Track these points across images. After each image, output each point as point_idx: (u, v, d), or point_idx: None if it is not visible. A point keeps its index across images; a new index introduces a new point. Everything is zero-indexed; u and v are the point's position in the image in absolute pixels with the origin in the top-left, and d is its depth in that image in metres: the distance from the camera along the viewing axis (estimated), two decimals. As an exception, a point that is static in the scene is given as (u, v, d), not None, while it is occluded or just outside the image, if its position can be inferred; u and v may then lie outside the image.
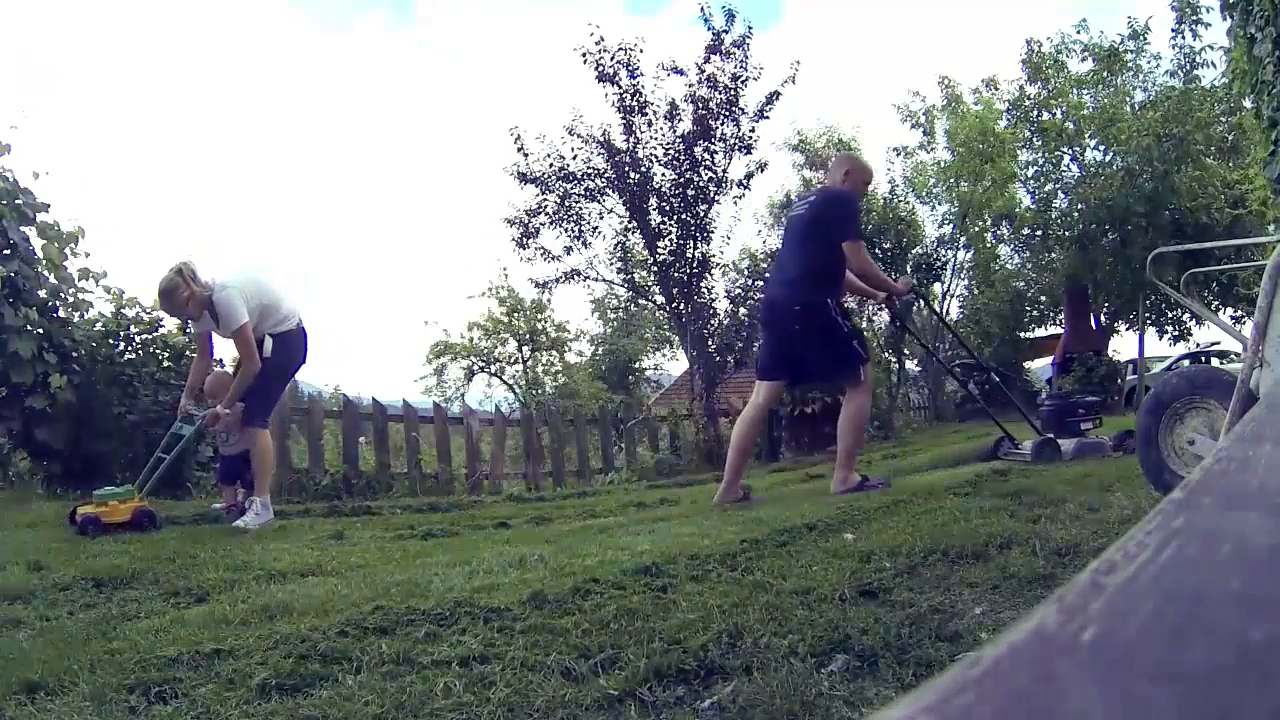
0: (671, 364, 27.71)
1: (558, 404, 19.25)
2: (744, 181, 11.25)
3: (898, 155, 17.56)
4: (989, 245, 18.15)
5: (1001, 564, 2.41)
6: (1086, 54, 16.49)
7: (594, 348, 28.56)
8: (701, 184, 10.87)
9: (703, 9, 10.74)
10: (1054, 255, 17.29)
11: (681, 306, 11.14)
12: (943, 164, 17.16)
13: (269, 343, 4.59)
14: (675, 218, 10.92)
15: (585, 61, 10.69)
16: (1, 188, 5.81)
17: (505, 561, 3.11)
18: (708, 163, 10.88)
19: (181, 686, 1.74)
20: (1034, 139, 16.87)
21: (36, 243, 6.05)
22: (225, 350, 5.87)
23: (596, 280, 12.08)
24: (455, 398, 25.64)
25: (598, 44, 10.62)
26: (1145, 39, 16.09)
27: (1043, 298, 18.81)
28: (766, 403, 4.63)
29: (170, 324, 6.70)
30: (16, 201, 5.88)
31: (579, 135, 11.05)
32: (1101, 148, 16.51)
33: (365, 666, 1.83)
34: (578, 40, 11.11)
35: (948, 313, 17.86)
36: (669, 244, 11.03)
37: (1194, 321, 17.06)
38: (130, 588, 2.80)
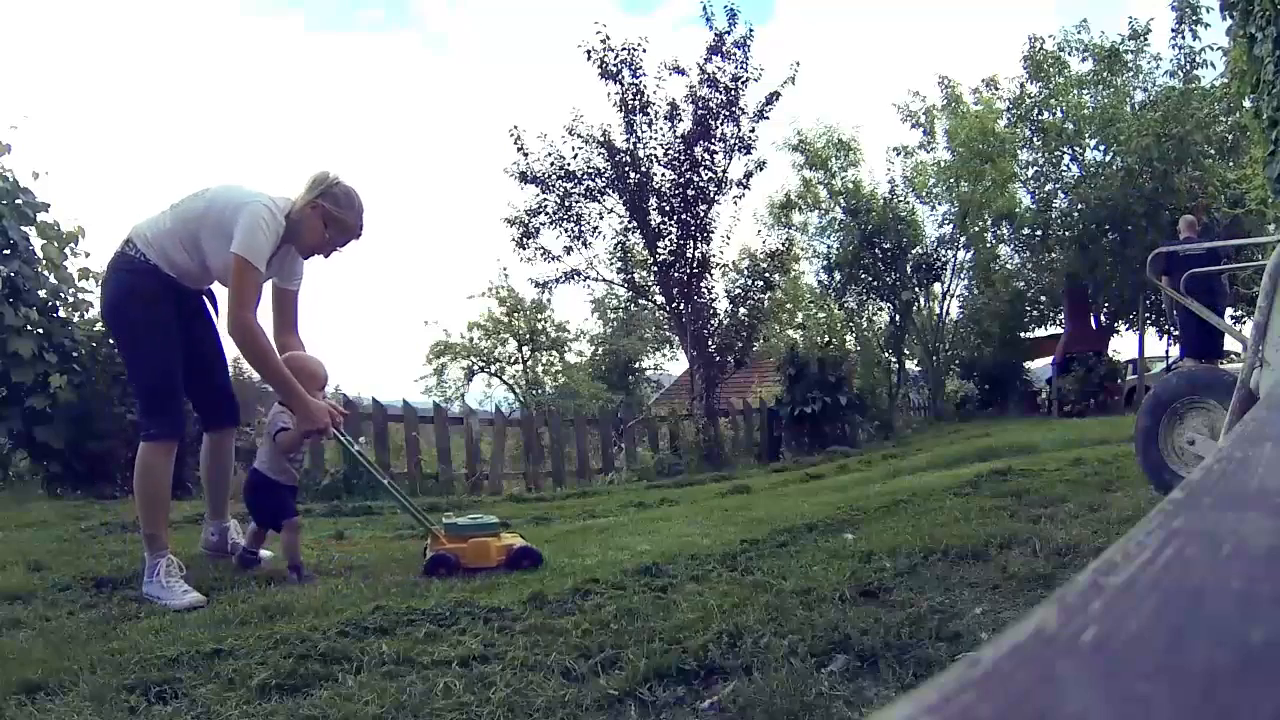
0: (671, 364, 27.73)
1: (558, 404, 19.26)
2: (744, 181, 11.25)
3: (898, 155, 17.55)
4: (989, 245, 18.14)
5: (1001, 564, 2.41)
6: (1087, 54, 16.49)
7: (594, 348, 28.56)
8: (701, 184, 10.87)
9: (705, 8, 10.75)
10: (1054, 255, 17.27)
11: (681, 306, 11.14)
12: (943, 164, 17.14)
13: None
14: (675, 218, 10.91)
15: (590, 58, 10.70)
16: (1, 188, 5.82)
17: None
18: (708, 163, 10.88)
19: (181, 686, 1.74)
20: (1034, 139, 16.86)
21: (36, 243, 6.06)
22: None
23: (596, 280, 12.08)
24: (455, 398, 25.64)
25: (602, 42, 10.64)
26: (1145, 39, 16.09)
27: (1043, 298, 18.80)
28: None
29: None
30: (16, 201, 5.89)
31: (579, 135, 11.05)
32: (1101, 148, 16.49)
33: (365, 666, 1.83)
34: (582, 37, 11.11)
35: (947, 313, 17.86)
36: (669, 244, 11.02)
37: (1194, 321, 17.00)
38: (130, 588, 2.79)
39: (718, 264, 11.64)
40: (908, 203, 17.15)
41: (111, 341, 2.89)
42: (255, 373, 3.05)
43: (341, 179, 3.09)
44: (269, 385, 2.98)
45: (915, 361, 18.35)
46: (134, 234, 2.94)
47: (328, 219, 3.03)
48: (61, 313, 6.21)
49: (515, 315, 26.42)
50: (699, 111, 10.75)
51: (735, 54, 10.80)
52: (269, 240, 2.87)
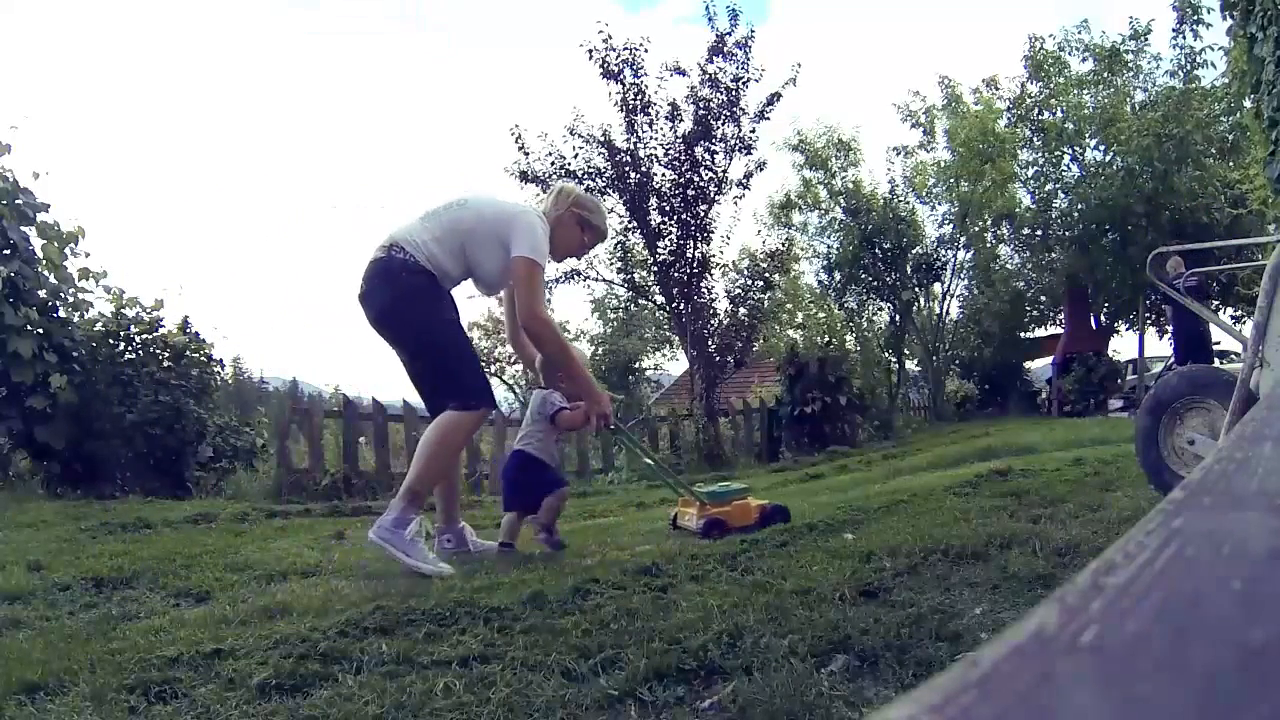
0: (671, 364, 27.75)
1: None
2: (744, 181, 11.25)
3: (898, 155, 17.56)
4: (989, 245, 18.15)
5: (1001, 564, 2.41)
6: (1087, 54, 16.49)
7: (594, 348, 28.55)
8: (701, 184, 10.87)
9: (707, 8, 10.76)
10: (1054, 255, 17.28)
11: (681, 306, 11.14)
12: (943, 164, 17.15)
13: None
14: (675, 218, 10.91)
15: (591, 58, 10.71)
16: (1, 188, 5.82)
17: (505, 561, 3.12)
18: (708, 163, 10.88)
19: (181, 686, 1.74)
20: (1034, 139, 16.87)
21: (36, 243, 6.06)
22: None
23: (596, 280, 12.08)
24: (455, 398, 25.59)
25: (604, 41, 10.65)
26: (1146, 39, 16.10)
27: (1043, 298, 18.81)
28: None
29: (170, 324, 6.70)
30: (16, 201, 5.89)
31: (580, 135, 11.06)
32: (1101, 148, 16.50)
33: (365, 666, 1.83)
34: (584, 36, 11.12)
35: (947, 313, 17.86)
36: (669, 244, 11.02)
37: (1194, 321, 17.01)
38: (130, 588, 2.79)
39: (718, 264, 11.64)
40: (908, 203, 17.17)
41: (394, 343, 3.16)
42: (550, 361, 3.28)
43: (580, 188, 3.36)
44: (564, 373, 3.23)
45: (915, 361, 18.37)
46: (400, 239, 3.05)
47: (584, 224, 3.33)
48: (61, 313, 6.21)
49: (515, 315, 26.37)
50: (700, 112, 10.75)
51: (736, 54, 10.80)
52: (546, 244, 3.10)
